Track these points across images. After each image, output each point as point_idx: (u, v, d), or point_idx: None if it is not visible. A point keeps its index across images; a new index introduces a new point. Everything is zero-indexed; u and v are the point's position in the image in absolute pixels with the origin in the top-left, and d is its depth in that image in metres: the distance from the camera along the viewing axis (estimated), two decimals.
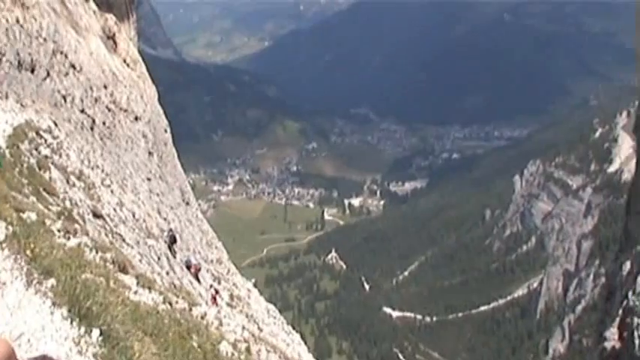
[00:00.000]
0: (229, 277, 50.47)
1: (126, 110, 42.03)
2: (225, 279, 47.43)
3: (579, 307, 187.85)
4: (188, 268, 35.72)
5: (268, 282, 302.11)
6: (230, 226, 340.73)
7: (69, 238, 14.07)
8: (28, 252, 7.36)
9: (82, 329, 6.34)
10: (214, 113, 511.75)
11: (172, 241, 35.00)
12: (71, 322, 6.33)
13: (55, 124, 27.80)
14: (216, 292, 36.13)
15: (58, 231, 14.17)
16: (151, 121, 47.34)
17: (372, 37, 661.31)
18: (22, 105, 26.93)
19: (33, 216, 13.16)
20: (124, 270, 15.37)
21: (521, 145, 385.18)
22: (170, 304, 15.34)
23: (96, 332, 6.45)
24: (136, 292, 13.38)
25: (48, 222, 14.13)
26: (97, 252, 14.43)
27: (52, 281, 6.94)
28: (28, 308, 6.17)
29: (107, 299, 7.71)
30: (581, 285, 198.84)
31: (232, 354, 13.89)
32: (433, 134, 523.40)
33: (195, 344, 10.88)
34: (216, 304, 32.72)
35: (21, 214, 12.63)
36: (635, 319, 23.16)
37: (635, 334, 22.83)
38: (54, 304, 6.43)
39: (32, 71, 29.38)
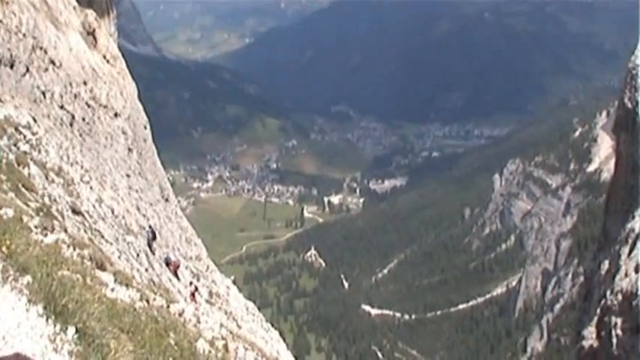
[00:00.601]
0: (208, 274, 50.39)
1: (105, 106, 41.84)
2: (204, 276, 47.35)
3: (558, 306, 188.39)
4: (167, 265, 35.63)
5: (247, 279, 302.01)
6: (209, 223, 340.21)
7: (46, 235, 14.00)
8: (3, 249, 7.32)
9: (58, 327, 6.31)
10: (194, 110, 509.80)
11: (152, 237, 34.90)
12: (47, 320, 6.30)
13: (35, 120, 27.65)
14: (196, 288, 36.02)
15: (36, 227, 14.10)
16: (131, 118, 47.15)
17: (353, 35, 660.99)
18: (0, 101, 26.77)
19: (10, 212, 13.08)
20: (101, 267, 15.31)
21: (501, 144, 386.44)
22: (147, 301, 15.29)
23: (71, 330, 6.42)
24: (113, 290, 13.32)
25: (25, 218, 14.05)
26: (74, 249, 14.37)
27: (27, 278, 6.91)
28: (3, 305, 6.14)
29: (83, 296, 7.67)
30: (560, 284, 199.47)
31: (210, 351, 13.86)
32: (413, 132, 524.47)
33: (172, 342, 10.85)
34: (195, 301, 32.65)
35: None
36: (613, 318, 23.30)
37: (613, 332, 22.97)
38: (30, 301, 6.40)
39: (11, 67, 29.22)
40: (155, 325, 11.00)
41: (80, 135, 36.21)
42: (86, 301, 7.53)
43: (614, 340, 22.73)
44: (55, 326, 6.29)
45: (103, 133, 40.26)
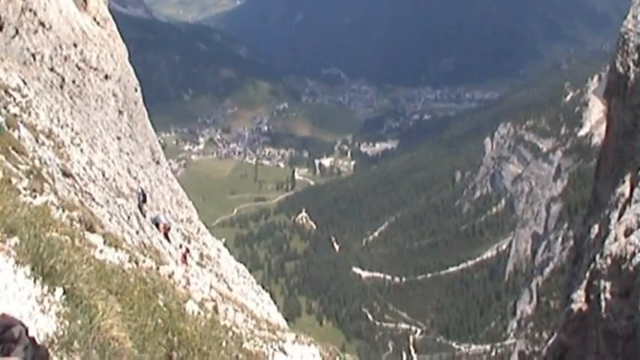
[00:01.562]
0: (199, 237, 50.45)
1: (96, 69, 41.62)
2: (195, 238, 47.41)
3: (547, 270, 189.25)
4: (157, 225, 35.64)
5: (238, 241, 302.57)
6: (200, 185, 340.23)
7: (35, 197, 13.99)
8: None
9: (46, 288, 6.31)
10: (185, 72, 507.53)
11: (142, 200, 34.88)
12: (34, 281, 6.30)
13: (24, 83, 27.49)
14: (187, 250, 36.05)
15: (25, 189, 14.08)
16: (121, 80, 46.94)
17: None
18: None
19: None
20: (90, 229, 15.31)
21: (493, 108, 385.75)
22: (136, 262, 15.31)
23: (59, 291, 6.42)
24: (101, 251, 13.33)
25: (14, 180, 14.03)
26: (63, 211, 14.36)
27: (15, 240, 6.91)
28: None
29: (72, 258, 7.66)
30: (550, 248, 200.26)
31: (199, 313, 13.90)
32: (404, 95, 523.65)
33: (161, 303, 10.87)
34: (187, 264, 32.69)
35: None
36: (602, 282, 23.42)
37: (602, 296, 23.09)
38: (17, 262, 6.40)
39: (0, 29, 29.01)
40: (144, 286, 11.02)
41: (70, 97, 36.06)
42: (74, 263, 7.53)
43: (603, 304, 22.86)
44: (42, 287, 6.30)
45: (93, 95, 40.09)
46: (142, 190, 35.98)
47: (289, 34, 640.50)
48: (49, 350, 4.21)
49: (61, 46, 36.33)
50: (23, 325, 3.70)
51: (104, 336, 6.24)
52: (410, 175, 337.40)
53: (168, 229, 37.43)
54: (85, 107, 37.76)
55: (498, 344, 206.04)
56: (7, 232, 6.96)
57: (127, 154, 41.66)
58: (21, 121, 22.79)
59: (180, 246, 37.05)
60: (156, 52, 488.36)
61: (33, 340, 3.69)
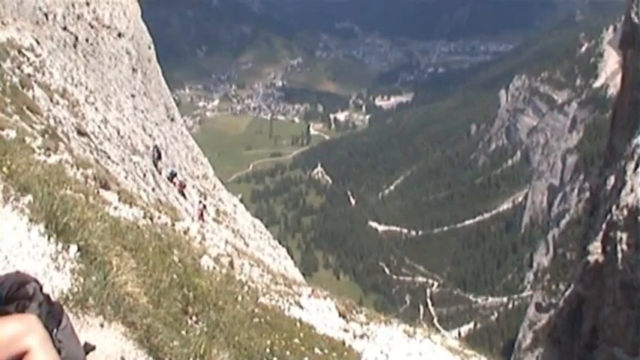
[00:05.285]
0: (215, 193, 50.65)
1: (109, 27, 41.50)
2: (211, 194, 47.60)
3: (563, 222, 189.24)
4: (172, 179, 35.76)
5: (254, 197, 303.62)
6: (215, 141, 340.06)
7: (49, 155, 14.03)
8: (4, 169, 7.31)
9: (60, 245, 6.33)
10: (198, 29, 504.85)
11: (157, 157, 34.96)
12: (48, 239, 6.31)
13: (38, 42, 27.46)
14: (204, 207, 36.17)
15: (39, 148, 14.12)
16: (135, 38, 46.80)
17: None
18: (2, 23, 26.54)
19: (12, 133, 13.09)
20: (105, 186, 15.38)
21: (507, 60, 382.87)
22: (151, 219, 15.39)
23: (73, 248, 6.44)
24: (116, 208, 13.38)
25: (28, 139, 14.07)
26: (77, 168, 14.41)
27: (29, 198, 6.92)
28: (4, 225, 6.16)
29: (86, 215, 7.67)
30: (566, 199, 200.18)
31: (214, 268, 13.99)
32: (418, 48, 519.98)
33: (175, 259, 10.92)
34: (204, 220, 32.81)
35: (0, 131, 12.57)
36: (618, 233, 23.41)
37: (618, 247, 23.10)
38: (31, 220, 6.42)
39: None
40: (159, 242, 11.07)
41: (84, 56, 36.03)
42: (88, 220, 7.53)
43: (619, 255, 22.87)
44: (56, 245, 6.31)
45: (106, 53, 40.04)
46: (157, 148, 36.06)
47: None
48: (64, 307, 4.24)
49: (73, 5, 36.23)
50: (37, 282, 3.70)
51: (119, 292, 6.28)
52: (425, 129, 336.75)
53: (184, 186, 37.56)
54: (99, 65, 37.75)
55: (515, 296, 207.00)
56: (20, 191, 6.97)
57: (142, 111, 41.71)
58: (35, 81, 22.81)
59: (200, 202, 37.19)
60: (169, 9, 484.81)
61: (47, 296, 3.69)
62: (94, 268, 6.39)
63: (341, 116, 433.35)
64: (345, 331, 20.01)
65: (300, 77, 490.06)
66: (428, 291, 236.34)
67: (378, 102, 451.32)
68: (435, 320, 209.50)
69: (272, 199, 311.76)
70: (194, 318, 8.99)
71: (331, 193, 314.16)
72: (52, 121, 20.18)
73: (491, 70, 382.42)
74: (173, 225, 17.51)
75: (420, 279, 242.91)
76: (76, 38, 35.74)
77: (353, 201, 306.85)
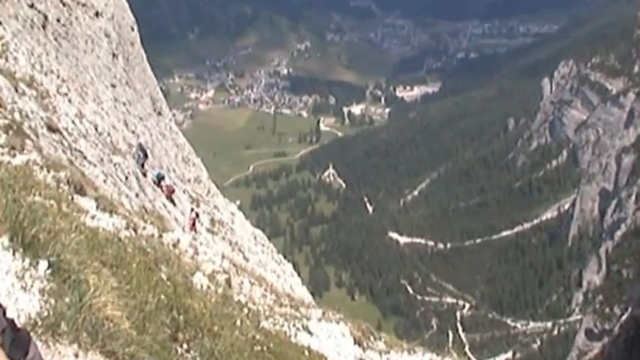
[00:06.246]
0: (209, 199, 50.69)
1: (84, 4, 41.52)
2: (204, 201, 47.63)
3: (618, 233, 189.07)
4: (158, 182, 35.74)
5: (255, 204, 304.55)
6: (210, 139, 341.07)
7: (15, 155, 14.01)
8: None
9: (27, 261, 6.31)
10: (190, 8, 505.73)
11: (142, 157, 34.95)
12: (14, 253, 6.30)
13: (0, 23, 27.48)
14: (197, 215, 36.14)
15: (2, 147, 14.12)
16: (115, 18, 46.84)
17: None
18: None
19: None
20: (81, 191, 15.36)
21: (551, 43, 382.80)
22: (135, 230, 15.37)
23: (43, 264, 6.41)
24: (94, 217, 13.37)
25: None
26: (48, 171, 14.38)
27: None
28: None
29: (58, 225, 7.67)
30: (621, 207, 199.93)
31: (208, 287, 13.96)
32: (447, 30, 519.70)
33: (163, 276, 10.90)
34: (195, 231, 32.77)
35: None
36: None
37: None
38: None
39: None
40: (144, 257, 11.04)
41: (55, 39, 36.01)
42: (61, 231, 7.53)
43: None
44: (23, 260, 6.29)
45: (82, 36, 40.01)
46: (142, 146, 36.05)
47: None
48: (32, 333, 4.20)
49: None
50: (0, 305, 3.64)
51: (97, 316, 6.25)
52: (454, 124, 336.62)
53: (173, 190, 37.56)
54: (73, 50, 37.73)
55: (561, 321, 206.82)
56: None
57: (124, 104, 41.70)
58: None
59: (192, 210, 37.16)
60: None
61: (12, 322, 3.61)
62: (67, 287, 6.36)
63: (356, 109, 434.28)
64: None
65: (309, 64, 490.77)
66: (458, 314, 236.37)
67: (400, 93, 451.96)
68: (467, 348, 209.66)
69: (276, 206, 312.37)
70: (185, 346, 8.97)
71: (345, 199, 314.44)
72: (17, 115, 20.14)
73: (533, 55, 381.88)
74: (160, 237, 17.51)
75: (449, 300, 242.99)
76: (46, 18, 35.70)
77: (370, 208, 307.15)
